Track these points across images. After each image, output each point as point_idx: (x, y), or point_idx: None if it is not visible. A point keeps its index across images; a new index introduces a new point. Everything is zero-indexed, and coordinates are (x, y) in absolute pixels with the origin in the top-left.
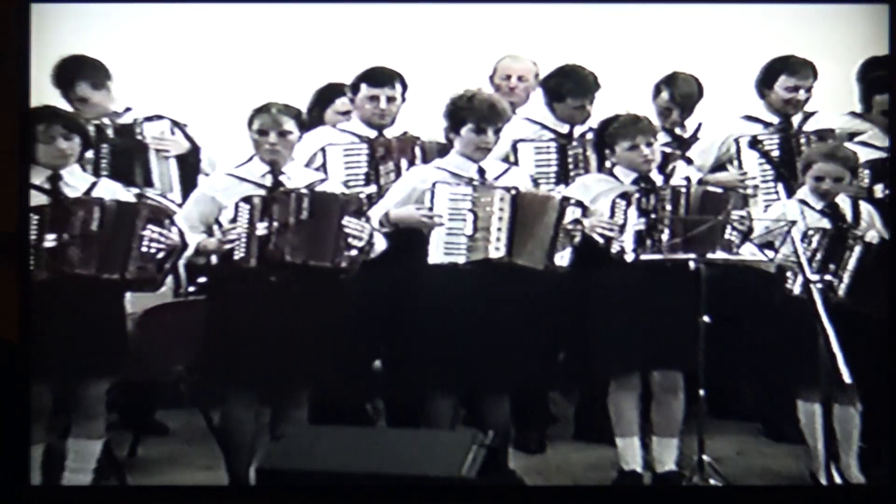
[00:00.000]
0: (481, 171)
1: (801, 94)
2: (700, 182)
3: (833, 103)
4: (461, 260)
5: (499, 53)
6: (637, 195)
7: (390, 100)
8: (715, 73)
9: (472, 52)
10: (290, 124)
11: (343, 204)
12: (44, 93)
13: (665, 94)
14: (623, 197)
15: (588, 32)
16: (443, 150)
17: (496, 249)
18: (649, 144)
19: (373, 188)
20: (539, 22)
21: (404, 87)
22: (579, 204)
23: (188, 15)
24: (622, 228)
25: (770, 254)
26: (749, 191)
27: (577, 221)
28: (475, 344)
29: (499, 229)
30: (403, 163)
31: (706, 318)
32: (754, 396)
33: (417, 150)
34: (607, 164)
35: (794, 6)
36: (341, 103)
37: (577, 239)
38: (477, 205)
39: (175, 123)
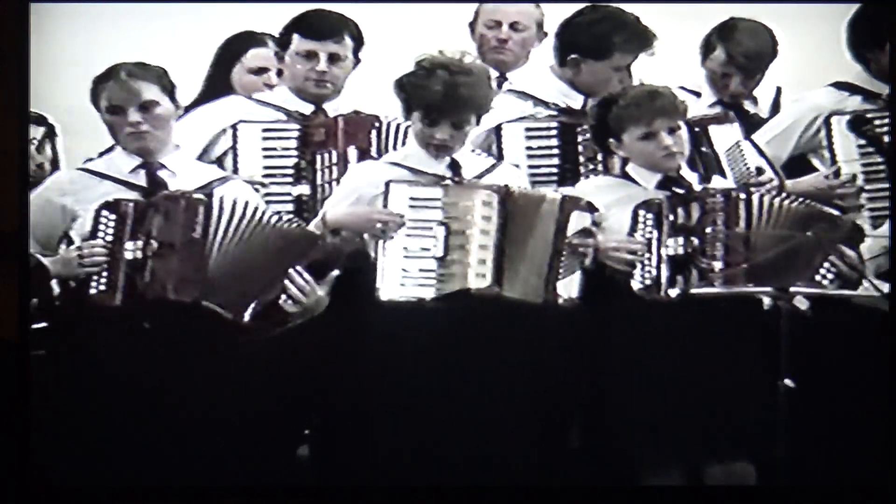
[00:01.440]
0: (454, 167)
1: None
2: (780, 189)
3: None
4: (428, 294)
5: None
6: (668, 204)
7: (334, 59)
8: None
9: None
10: (152, 91)
11: (304, 244)
12: (44, 93)
13: (720, 52)
14: (647, 206)
15: None
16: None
17: (479, 277)
18: (672, 130)
19: (304, 188)
20: None
21: (357, 41)
22: (590, 206)
23: (190, 15)
24: (650, 251)
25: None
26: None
27: (587, 233)
28: (448, 418)
29: (482, 247)
30: (352, 153)
31: (789, 382)
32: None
33: (374, 135)
34: (614, 159)
35: (793, 6)
36: (253, 56)
37: (589, 260)
38: (450, 213)
39: None
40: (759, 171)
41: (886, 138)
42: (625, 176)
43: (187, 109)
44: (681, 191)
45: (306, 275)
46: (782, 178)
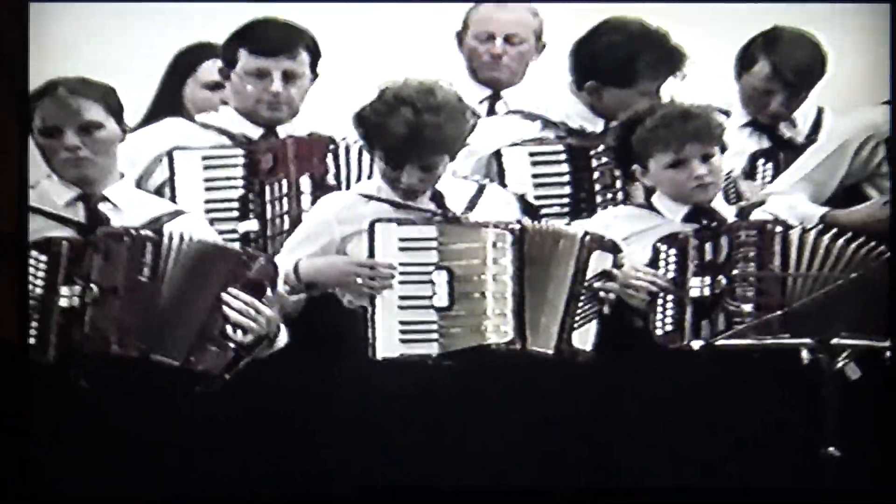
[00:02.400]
0: (437, 198)
1: None
2: (823, 221)
3: (833, 109)
4: (433, 350)
5: None
6: (694, 239)
7: (289, 77)
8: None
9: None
10: (94, 112)
11: (230, 263)
12: None
13: (764, 65)
14: (670, 241)
15: None
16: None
17: (499, 330)
18: (706, 157)
19: (251, 224)
20: None
21: (313, 54)
22: (613, 246)
23: (192, 14)
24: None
25: None
26: None
27: (608, 276)
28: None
29: (498, 295)
30: (305, 183)
31: (833, 451)
32: None
33: (330, 160)
34: (636, 187)
35: (794, 6)
36: (209, 69)
37: (607, 307)
38: (450, 255)
39: None
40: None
41: None
42: (649, 206)
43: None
44: (712, 223)
45: (243, 295)
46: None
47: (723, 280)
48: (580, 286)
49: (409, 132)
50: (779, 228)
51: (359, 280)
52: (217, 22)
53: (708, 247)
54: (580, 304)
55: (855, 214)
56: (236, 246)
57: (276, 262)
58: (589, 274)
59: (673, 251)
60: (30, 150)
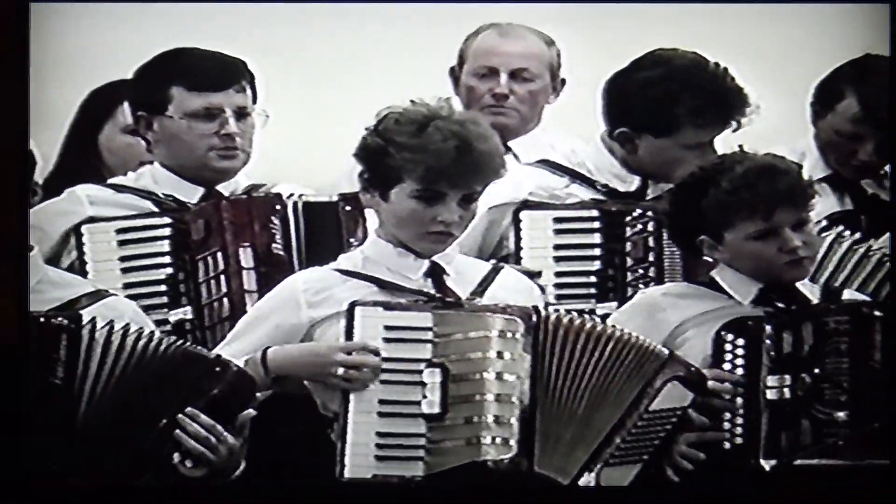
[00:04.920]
0: (435, 274)
1: None
2: None
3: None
4: (419, 471)
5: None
6: (769, 327)
7: (241, 115)
8: None
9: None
10: None
11: (194, 372)
12: (44, 93)
13: (851, 103)
14: (738, 329)
15: None
16: (349, 222)
17: (500, 445)
18: (801, 225)
19: (185, 311)
20: None
21: (254, 89)
22: (696, 386)
23: (192, 15)
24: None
25: None
26: None
27: (684, 420)
28: None
29: (503, 399)
30: (245, 256)
31: None
32: None
33: (277, 224)
34: (704, 262)
35: (793, 6)
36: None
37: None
38: (447, 350)
39: None
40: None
41: None
42: (710, 284)
43: (45, 190)
44: (789, 307)
45: (204, 417)
46: None
47: (807, 379)
48: (639, 415)
49: (459, 148)
50: (878, 313)
51: (341, 370)
52: (217, 22)
53: (787, 336)
54: (631, 438)
55: None
56: (202, 350)
57: (251, 376)
58: (656, 404)
59: (742, 341)
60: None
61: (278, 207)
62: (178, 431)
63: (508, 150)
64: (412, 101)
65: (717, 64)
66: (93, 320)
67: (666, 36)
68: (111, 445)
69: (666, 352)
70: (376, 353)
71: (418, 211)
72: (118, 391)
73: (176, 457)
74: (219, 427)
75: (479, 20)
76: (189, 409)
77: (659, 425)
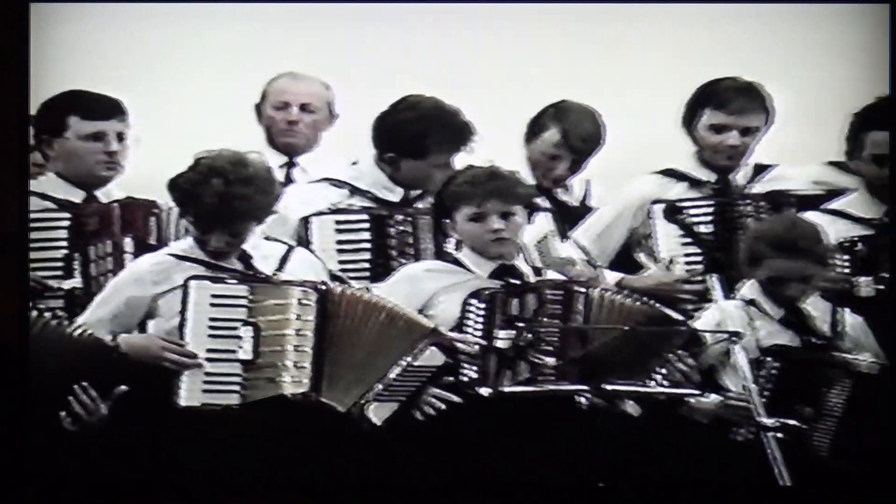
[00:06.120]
0: (243, 259)
1: (733, 139)
2: (620, 285)
3: (833, 109)
4: (235, 400)
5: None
6: (500, 294)
7: (121, 138)
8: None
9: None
10: None
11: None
12: (44, 93)
13: (554, 132)
14: (479, 296)
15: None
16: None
17: (296, 382)
18: (507, 216)
19: (75, 281)
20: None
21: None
22: (449, 350)
23: (191, 15)
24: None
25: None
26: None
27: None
28: None
29: (299, 349)
30: (129, 244)
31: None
32: None
33: (153, 223)
34: (449, 243)
35: (793, 6)
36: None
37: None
38: (259, 313)
39: None
40: (570, 262)
41: (702, 227)
42: (456, 262)
43: None
44: (515, 281)
45: (92, 391)
46: (599, 272)
47: (527, 333)
48: (404, 369)
49: (220, 202)
50: (581, 289)
51: (166, 364)
52: (217, 21)
53: (515, 302)
54: (395, 383)
55: (647, 280)
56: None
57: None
58: (418, 362)
59: (482, 305)
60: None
61: (155, 210)
62: (70, 397)
63: (293, 165)
64: (220, 152)
65: (449, 107)
66: None
67: (666, 36)
68: None
69: (430, 325)
70: (193, 355)
71: (198, 236)
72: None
73: (63, 414)
74: (99, 399)
75: (480, 21)
76: (83, 382)
77: (417, 377)
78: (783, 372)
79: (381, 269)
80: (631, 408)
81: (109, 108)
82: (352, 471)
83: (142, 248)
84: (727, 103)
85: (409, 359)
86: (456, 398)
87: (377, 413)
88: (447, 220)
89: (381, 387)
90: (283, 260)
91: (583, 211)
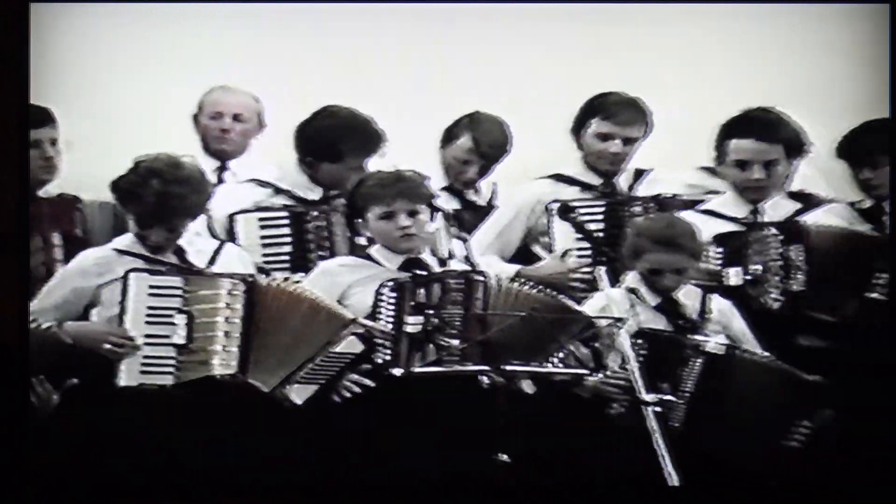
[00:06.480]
0: (179, 253)
1: (617, 146)
2: (518, 275)
3: (833, 109)
4: (168, 381)
5: None
6: (408, 284)
7: (53, 143)
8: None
9: None
10: None
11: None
12: (44, 93)
13: (466, 140)
14: (390, 286)
15: None
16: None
17: (224, 364)
18: (413, 214)
19: None
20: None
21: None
22: (368, 340)
23: (191, 15)
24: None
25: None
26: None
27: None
28: None
29: (228, 335)
30: (57, 237)
31: (504, 457)
32: None
33: (77, 218)
34: (361, 240)
35: (793, 6)
36: None
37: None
38: (193, 302)
39: None
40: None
41: (592, 225)
42: (368, 257)
43: None
44: (422, 272)
45: (48, 384)
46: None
47: (434, 319)
48: (325, 353)
49: (157, 200)
50: (480, 278)
51: (107, 346)
52: (216, 21)
53: (422, 291)
54: (316, 368)
55: (542, 270)
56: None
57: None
58: (338, 349)
59: (393, 294)
60: (29, 151)
61: (79, 206)
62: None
63: (225, 170)
64: (157, 155)
65: (363, 115)
66: None
67: (665, 36)
68: None
69: (350, 316)
70: (133, 340)
71: (139, 232)
72: None
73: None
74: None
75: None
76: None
77: (337, 363)
78: (648, 353)
79: (300, 262)
80: (527, 386)
81: (41, 117)
82: (274, 445)
83: (69, 243)
84: (614, 115)
85: (329, 346)
86: (370, 383)
87: (299, 394)
88: (359, 220)
89: (303, 370)
90: (215, 254)
91: (489, 211)
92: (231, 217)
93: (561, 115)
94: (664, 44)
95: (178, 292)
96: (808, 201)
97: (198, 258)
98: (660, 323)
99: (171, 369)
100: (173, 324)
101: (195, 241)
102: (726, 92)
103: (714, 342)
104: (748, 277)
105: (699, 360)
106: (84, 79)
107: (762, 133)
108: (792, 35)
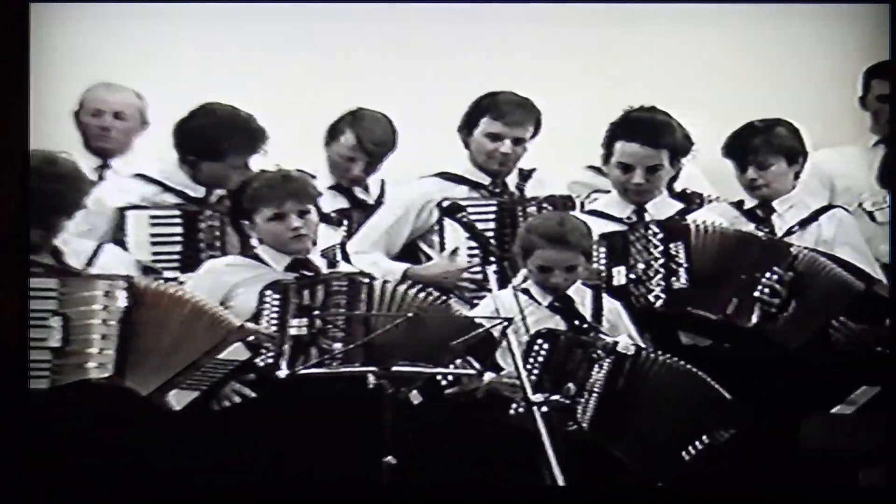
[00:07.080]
0: (55, 254)
1: (506, 146)
2: (405, 276)
3: (833, 108)
4: (43, 385)
5: None
6: (295, 286)
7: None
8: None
9: None
10: None
11: None
12: (43, 93)
13: (349, 136)
14: (274, 288)
15: None
16: None
17: (101, 368)
18: (302, 213)
19: None
20: None
21: None
22: (254, 348)
23: (191, 15)
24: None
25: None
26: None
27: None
28: None
29: (104, 337)
30: None
31: (391, 459)
32: None
33: None
34: (251, 241)
35: (792, 6)
36: None
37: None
38: (68, 304)
39: None
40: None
41: (482, 225)
42: (255, 257)
43: None
44: (308, 273)
45: None
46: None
47: (316, 322)
48: (208, 361)
49: (33, 199)
50: (365, 280)
51: None
52: (216, 21)
53: (306, 293)
54: (198, 374)
55: (431, 269)
56: None
57: None
58: (222, 355)
59: (277, 296)
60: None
61: None
62: None
63: (107, 168)
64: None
65: (244, 113)
66: None
67: (665, 36)
68: None
69: (236, 322)
70: None
71: None
72: None
73: None
74: None
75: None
76: None
77: (220, 370)
78: (551, 352)
79: (190, 262)
80: (414, 398)
81: None
82: (152, 449)
83: None
84: (504, 115)
85: (214, 352)
86: (252, 394)
87: (178, 399)
88: (246, 222)
89: (184, 376)
90: (93, 255)
91: (377, 208)
92: (121, 212)
93: (449, 111)
94: (664, 44)
95: (54, 294)
96: (691, 200)
97: (75, 259)
98: (552, 323)
99: (46, 373)
100: (50, 326)
101: (72, 241)
102: (727, 92)
103: (624, 342)
104: (632, 276)
105: (608, 360)
106: (85, 79)
107: (647, 138)
108: (792, 35)
